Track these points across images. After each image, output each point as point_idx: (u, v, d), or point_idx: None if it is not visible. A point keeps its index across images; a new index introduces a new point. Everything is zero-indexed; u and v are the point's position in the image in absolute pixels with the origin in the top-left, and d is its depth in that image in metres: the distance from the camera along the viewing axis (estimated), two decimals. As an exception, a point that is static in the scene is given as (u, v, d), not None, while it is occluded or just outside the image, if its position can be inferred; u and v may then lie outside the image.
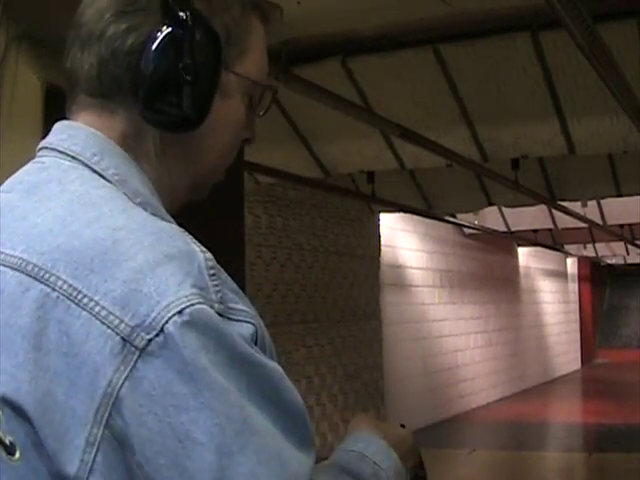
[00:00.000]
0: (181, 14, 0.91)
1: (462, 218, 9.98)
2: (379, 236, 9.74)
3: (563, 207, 8.44)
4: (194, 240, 0.84)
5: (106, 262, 0.79)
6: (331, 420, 8.29)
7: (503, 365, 14.17)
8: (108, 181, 0.90)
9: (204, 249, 0.83)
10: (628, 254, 16.86)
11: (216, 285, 0.81)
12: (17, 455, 0.78)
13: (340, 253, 8.86)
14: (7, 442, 0.78)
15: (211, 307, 0.79)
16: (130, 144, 0.94)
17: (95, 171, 0.90)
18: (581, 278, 20.86)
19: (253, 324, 0.83)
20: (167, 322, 0.76)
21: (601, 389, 15.83)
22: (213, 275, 0.81)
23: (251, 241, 7.11)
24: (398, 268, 10.41)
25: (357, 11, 4.06)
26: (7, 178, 0.97)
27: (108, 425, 0.75)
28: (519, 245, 15.14)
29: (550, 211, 10.45)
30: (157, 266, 0.78)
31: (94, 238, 0.81)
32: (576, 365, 19.68)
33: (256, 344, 0.83)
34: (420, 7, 4.02)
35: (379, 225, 9.73)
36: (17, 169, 0.97)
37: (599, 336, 22.80)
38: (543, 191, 7.44)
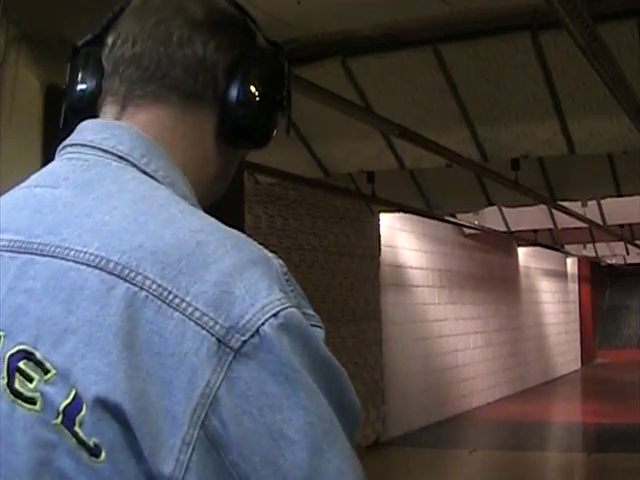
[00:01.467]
0: (276, 50, 1.05)
1: (462, 218, 9.98)
2: (379, 236, 9.74)
3: (563, 207, 8.44)
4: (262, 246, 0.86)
5: (193, 264, 0.80)
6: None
7: (503, 365, 14.17)
8: (160, 183, 0.91)
9: (275, 255, 0.85)
10: (628, 254, 16.86)
11: (292, 290, 0.83)
12: (102, 457, 0.77)
13: (340, 253, 8.87)
14: (91, 444, 0.77)
15: (298, 311, 0.82)
16: (186, 146, 0.98)
17: (145, 172, 0.92)
18: (581, 278, 20.87)
19: (322, 328, 0.86)
20: (263, 324, 0.78)
21: (601, 389, 15.83)
22: (288, 281, 0.84)
23: (251, 241, 7.11)
24: (398, 268, 10.41)
25: (357, 11, 4.06)
26: (8, 176, 0.96)
27: (204, 425, 0.76)
28: (519, 245, 15.14)
29: (550, 211, 10.45)
30: (244, 270, 0.80)
31: (177, 239, 0.82)
32: (576, 365, 19.69)
33: None
34: (420, 7, 4.02)
35: (379, 225, 9.74)
36: (18, 168, 0.97)
37: (599, 336, 22.80)
38: (543, 191, 7.44)
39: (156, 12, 0.99)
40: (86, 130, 0.96)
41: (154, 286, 0.79)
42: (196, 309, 0.78)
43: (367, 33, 4.49)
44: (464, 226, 10.84)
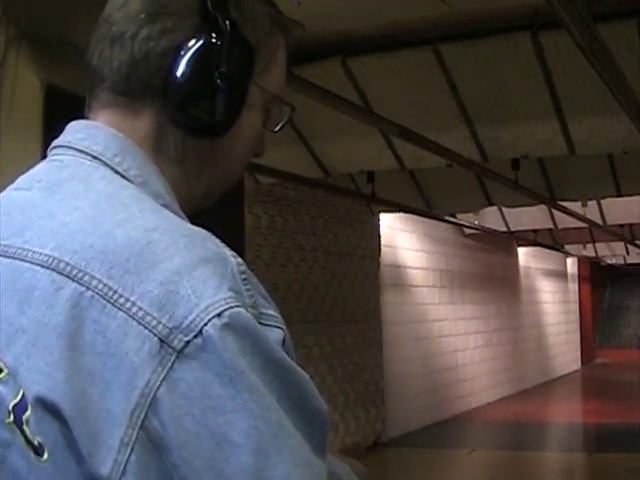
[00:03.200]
0: (220, 22, 0.93)
1: (462, 218, 9.98)
2: (379, 236, 9.74)
3: (563, 207, 8.44)
4: (223, 244, 0.84)
5: (142, 263, 0.79)
6: (331, 420, 8.29)
7: (503, 365, 14.17)
8: (130, 182, 0.90)
9: (234, 253, 0.83)
10: (628, 254, 16.86)
11: (248, 290, 0.81)
12: (45, 456, 0.77)
13: (340, 253, 8.86)
14: (36, 443, 0.78)
15: (246, 311, 0.79)
16: (151, 146, 0.95)
17: (117, 172, 0.91)
18: (581, 278, 20.86)
19: (282, 329, 0.84)
20: (206, 324, 0.76)
21: (601, 389, 15.83)
22: (245, 280, 0.81)
23: (251, 241, 7.11)
24: (398, 268, 10.41)
25: (357, 11, 4.07)
26: (8, 177, 0.97)
27: (143, 426, 0.75)
28: (519, 245, 15.14)
29: (550, 211, 10.45)
30: (194, 268, 0.79)
31: (128, 239, 0.81)
32: (576, 365, 19.69)
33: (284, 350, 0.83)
34: (420, 7, 4.03)
35: (379, 225, 9.73)
36: (17, 168, 0.97)
37: (599, 336, 22.80)
38: (543, 191, 7.44)
39: (106, 11, 0.97)
40: (69, 131, 0.96)
41: (100, 285, 0.79)
42: (140, 309, 0.77)
43: (367, 33, 4.50)
44: (464, 226, 10.84)
